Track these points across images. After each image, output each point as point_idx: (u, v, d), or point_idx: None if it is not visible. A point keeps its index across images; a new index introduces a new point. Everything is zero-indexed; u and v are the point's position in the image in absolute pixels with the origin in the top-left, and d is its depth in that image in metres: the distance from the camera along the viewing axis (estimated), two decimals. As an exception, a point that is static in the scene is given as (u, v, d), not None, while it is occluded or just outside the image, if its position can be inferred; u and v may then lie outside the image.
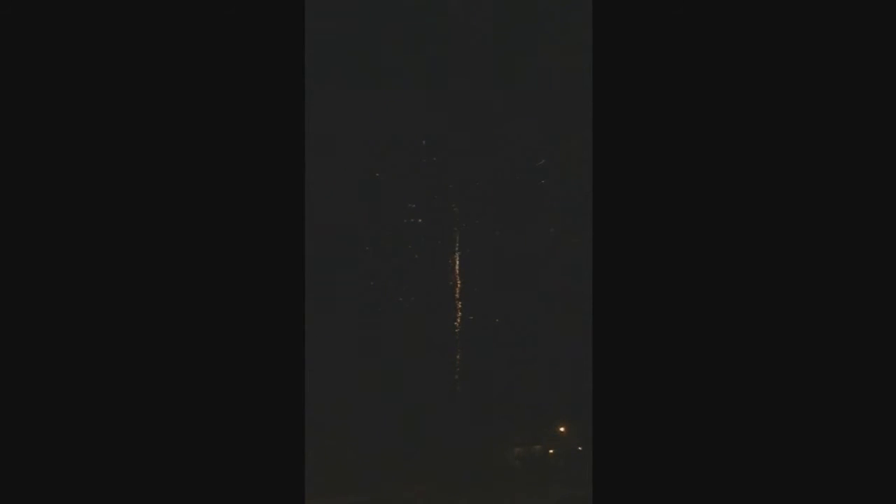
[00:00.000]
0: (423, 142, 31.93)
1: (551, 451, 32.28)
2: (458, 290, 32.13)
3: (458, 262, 32.12)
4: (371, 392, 31.05)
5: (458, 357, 31.50)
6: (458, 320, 31.70)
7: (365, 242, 31.64)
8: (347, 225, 31.66)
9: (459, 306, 31.93)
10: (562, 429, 32.16)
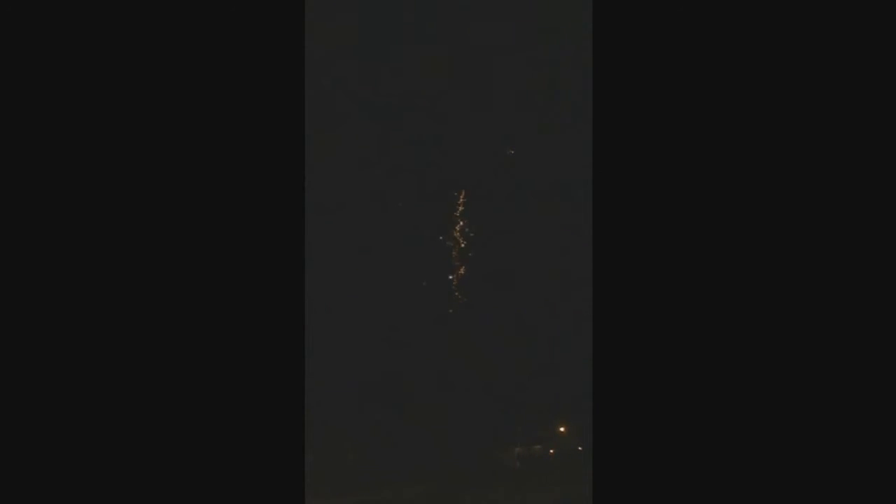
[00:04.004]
0: (423, 135, 31.88)
1: (551, 451, 32.30)
2: (457, 291, 32.14)
3: (457, 261, 32.13)
4: (371, 391, 31.08)
5: (458, 357, 31.53)
6: (459, 320, 31.73)
7: (364, 240, 31.65)
8: (346, 222, 31.67)
9: (460, 302, 31.93)
10: (562, 429, 32.18)
